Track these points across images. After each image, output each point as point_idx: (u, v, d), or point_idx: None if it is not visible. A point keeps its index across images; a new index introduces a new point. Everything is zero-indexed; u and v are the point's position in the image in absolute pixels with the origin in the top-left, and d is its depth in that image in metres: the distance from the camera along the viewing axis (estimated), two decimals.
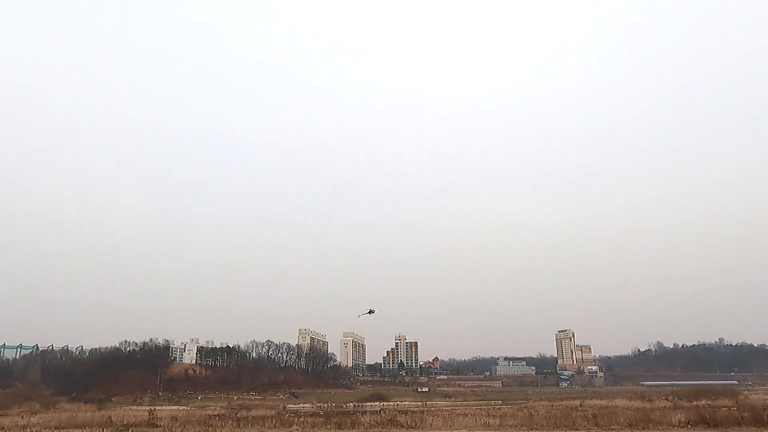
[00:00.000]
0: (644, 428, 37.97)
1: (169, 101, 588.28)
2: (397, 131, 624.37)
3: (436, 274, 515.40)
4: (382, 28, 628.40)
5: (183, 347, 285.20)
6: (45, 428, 42.11)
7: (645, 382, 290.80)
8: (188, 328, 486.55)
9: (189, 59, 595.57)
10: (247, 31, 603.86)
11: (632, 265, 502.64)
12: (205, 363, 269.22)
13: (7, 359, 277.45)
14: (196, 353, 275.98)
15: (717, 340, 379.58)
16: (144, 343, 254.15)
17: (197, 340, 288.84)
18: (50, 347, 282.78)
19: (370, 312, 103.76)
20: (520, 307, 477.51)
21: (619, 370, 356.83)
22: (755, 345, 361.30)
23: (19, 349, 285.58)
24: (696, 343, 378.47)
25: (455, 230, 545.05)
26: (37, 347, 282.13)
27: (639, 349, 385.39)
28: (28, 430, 39.71)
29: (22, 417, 67.73)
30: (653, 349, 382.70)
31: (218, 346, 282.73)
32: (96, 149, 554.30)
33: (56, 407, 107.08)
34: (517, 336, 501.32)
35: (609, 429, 37.72)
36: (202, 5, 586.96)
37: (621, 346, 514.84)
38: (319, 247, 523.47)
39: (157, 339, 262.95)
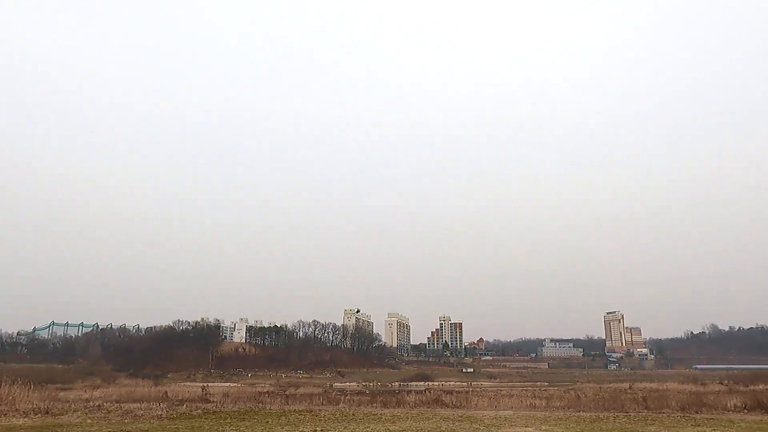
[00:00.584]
0: (697, 412, 36.97)
1: (184, 92, 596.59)
2: (425, 114, 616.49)
3: (481, 254, 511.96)
4: (401, 18, 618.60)
5: (233, 326, 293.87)
6: (106, 401, 44.33)
7: (698, 366, 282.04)
8: (238, 307, 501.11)
9: (196, 45, 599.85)
10: (255, 19, 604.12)
11: (685, 244, 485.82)
12: (254, 342, 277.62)
13: (70, 337, 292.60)
14: (246, 332, 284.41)
15: None
16: (196, 323, 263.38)
17: (246, 319, 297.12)
18: (109, 326, 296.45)
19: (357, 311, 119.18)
20: (566, 288, 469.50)
21: (671, 353, 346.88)
22: None
23: (80, 328, 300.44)
24: (754, 326, 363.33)
25: (499, 213, 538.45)
26: (97, 326, 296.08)
27: (692, 332, 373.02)
28: (91, 403, 41.89)
29: (86, 391, 71.43)
30: (707, 332, 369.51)
31: (266, 325, 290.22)
32: (147, 140, 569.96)
33: (116, 382, 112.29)
34: (564, 317, 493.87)
35: (660, 412, 36.91)
36: None
37: (672, 329, 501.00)
38: (362, 229, 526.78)
39: (208, 318, 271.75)
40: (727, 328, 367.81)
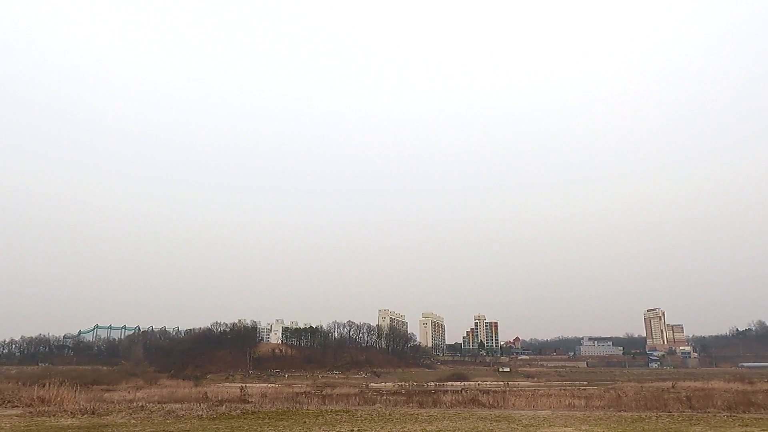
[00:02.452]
0: (745, 412, 35.70)
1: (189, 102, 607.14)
2: (461, 129, 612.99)
3: (516, 253, 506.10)
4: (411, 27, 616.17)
5: (269, 327, 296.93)
6: (149, 402, 45.44)
7: (744, 364, 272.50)
8: (274, 309, 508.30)
9: (191, 53, 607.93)
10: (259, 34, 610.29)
11: (729, 241, 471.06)
12: (290, 342, 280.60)
13: (114, 339, 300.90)
14: (282, 333, 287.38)
15: None
16: (233, 324, 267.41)
17: (282, 320, 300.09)
18: (150, 328, 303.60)
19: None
20: (605, 286, 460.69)
21: (715, 350, 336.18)
22: None
23: (123, 330, 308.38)
24: None
25: (537, 215, 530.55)
26: (139, 328, 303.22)
27: (738, 329, 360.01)
28: (135, 403, 42.99)
29: (129, 392, 73.30)
30: (754, 329, 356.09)
31: (302, 326, 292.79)
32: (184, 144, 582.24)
33: (158, 383, 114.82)
34: (602, 315, 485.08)
35: (705, 412, 35.83)
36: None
37: (717, 326, 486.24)
38: (397, 231, 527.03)
39: (245, 320, 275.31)
40: None
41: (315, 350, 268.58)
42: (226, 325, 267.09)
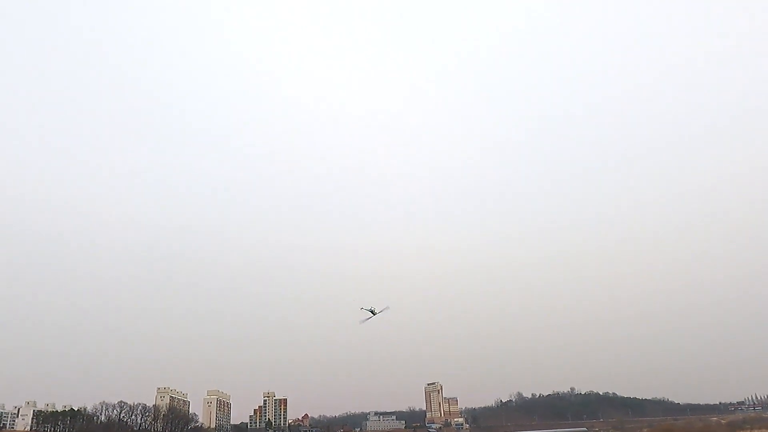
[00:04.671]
0: None
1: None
2: None
3: (306, 325, 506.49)
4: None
5: (15, 411, 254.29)
6: None
7: None
8: (24, 389, 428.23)
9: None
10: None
11: (495, 320, 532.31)
12: (42, 429, 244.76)
13: None
14: (32, 418, 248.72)
15: (569, 390, 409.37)
16: None
17: (34, 402, 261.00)
18: None
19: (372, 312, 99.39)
20: (391, 360, 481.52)
21: (483, 420, 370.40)
22: (600, 393, 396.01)
23: None
24: (551, 392, 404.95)
25: (328, 284, 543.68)
26: None
27: (501, 400, 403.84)
28: None
29: None
30: (514, 400, 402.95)
31: (60, 409, 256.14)
32: None
33: None
34: (388, 389, 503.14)
35: None
36: None
37: (485, 397, 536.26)
38: (180, 302, 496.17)
39: None
40: (530, 396, 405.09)
41: None
42: None
